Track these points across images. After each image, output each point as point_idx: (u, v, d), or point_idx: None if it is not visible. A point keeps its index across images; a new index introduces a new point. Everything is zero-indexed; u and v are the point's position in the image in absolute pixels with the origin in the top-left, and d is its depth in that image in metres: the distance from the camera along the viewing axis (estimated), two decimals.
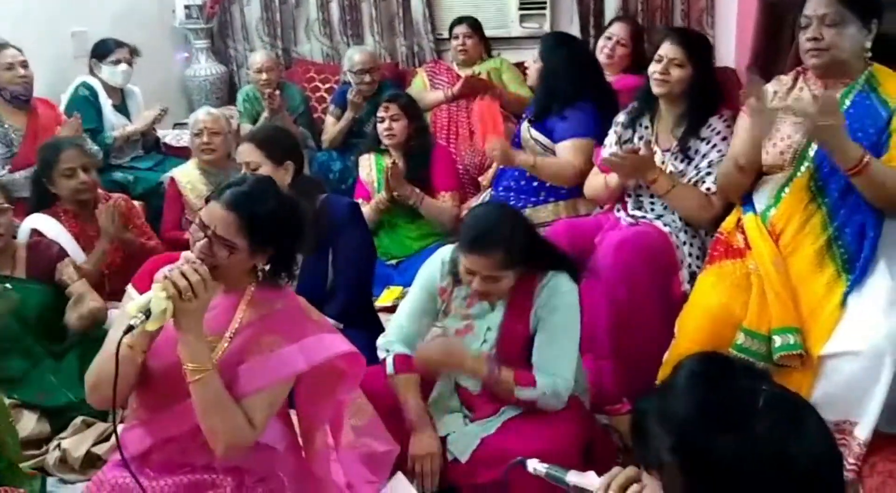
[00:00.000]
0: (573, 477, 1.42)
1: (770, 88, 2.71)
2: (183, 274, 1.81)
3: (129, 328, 1.78)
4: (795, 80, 2.70)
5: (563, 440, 2.23)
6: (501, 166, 3.80)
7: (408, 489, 2.24)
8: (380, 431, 2.33)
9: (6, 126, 4.02)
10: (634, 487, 1.23)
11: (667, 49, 2.98)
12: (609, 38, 4.24)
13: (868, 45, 2.53)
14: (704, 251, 2.87)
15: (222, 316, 1.99)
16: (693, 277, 2.82)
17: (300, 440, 2.18)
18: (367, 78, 4.81)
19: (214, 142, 3.98)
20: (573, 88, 3.57)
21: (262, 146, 2.85)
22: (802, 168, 2.56)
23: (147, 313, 1.78)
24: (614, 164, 2.98)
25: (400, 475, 2.28)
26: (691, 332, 2.51)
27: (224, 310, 2.00)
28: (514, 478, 2.13)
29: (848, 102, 2.53)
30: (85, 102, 4.40)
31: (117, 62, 4.53)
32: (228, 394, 1.88)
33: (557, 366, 2.35)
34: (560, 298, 2.38)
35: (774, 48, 3.19)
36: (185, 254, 1.97)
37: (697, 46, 3.03)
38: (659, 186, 2.96)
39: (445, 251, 2.54)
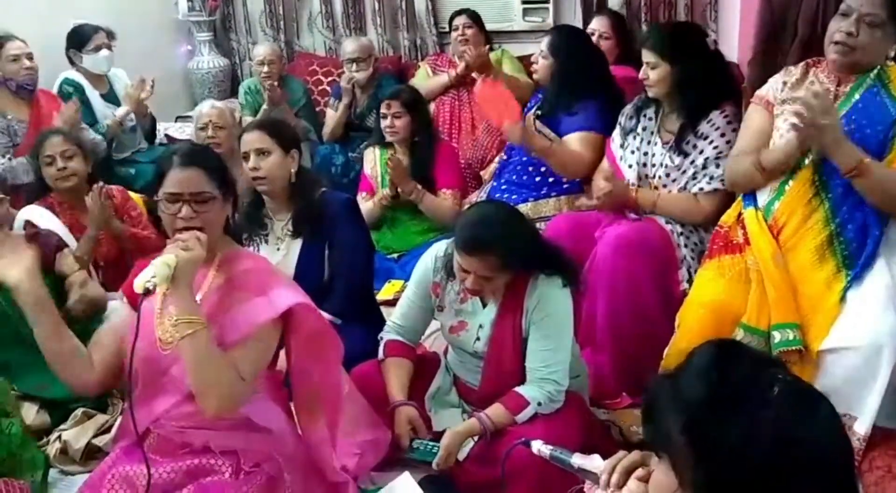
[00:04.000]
0: (578, 459, 1.43)
1: (778, 78, 2.70)
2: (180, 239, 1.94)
3: (146, 291, 1.85)
4: (805, 72, 2.68)
5: (562, 435, 2.20)
6: (505, 155, 3.79)
7: (413, 488, 2.24)
8: (372, 419, 2.36)
9: (9, 117, 4.05)
10: (639, 471, 1.25)
11: (643, 53, 2.98)
12: (591, 34, 4.28)
13: (892, 53, 2.52)
14: (703, 251, 2.85)
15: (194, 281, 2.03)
16: (692, 277, 2.81)
17: (298, 422, 2.22)
18: (354, 67, 4.82)
19: (220, 136, 3.98)
20: (583, 82, 3.57)
21: (272, 133, 2.87)
22: (806, 161, 2.54)
23: (154, 276, 1.87)
24: (592, 206, 3.04)
25: (406, 475, 2.29)
26: (691, 326, 2.51)
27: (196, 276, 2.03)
28: (511, 474, 2.15)
29: (858, 96, 2.52)
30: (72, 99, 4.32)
31: (98, 49, 4.47)
32: (218, 348, 1.92)
33: (550, 372, 2.35)
34: (552, 303, 2.36)
35: (777, 43, 3.17)
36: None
37: (672, 44, 2.95)
38: (642, 204, 3.00)
39: (440, 247, 2.53)
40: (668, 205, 2.97)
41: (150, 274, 1.85)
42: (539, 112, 3.66)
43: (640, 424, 2.56)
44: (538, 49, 3.77)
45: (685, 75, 2.92)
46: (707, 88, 2.94)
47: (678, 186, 2.99)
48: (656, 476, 1.17)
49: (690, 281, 2.78)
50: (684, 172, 2.97)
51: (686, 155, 2.96)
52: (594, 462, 1.39)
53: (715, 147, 2.90)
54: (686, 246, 2.93)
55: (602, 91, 3.58)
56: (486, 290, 2.37)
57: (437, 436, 2.37)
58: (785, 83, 2.68)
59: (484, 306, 2.46)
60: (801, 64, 2.72)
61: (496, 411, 2.33)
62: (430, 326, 2.73)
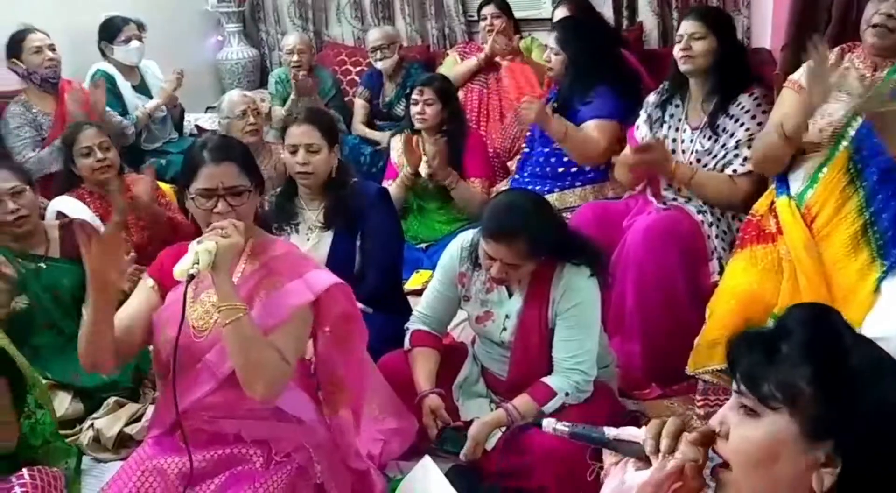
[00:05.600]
0: (611, 431, 1.32)
1: (812, 64, 2.66)
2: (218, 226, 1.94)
3: (191, 277, 1.86)
4: (841, 57, 2.64)
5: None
6: (527, 148, 3.77)
7: (435, 472, 2.24)
8: (398, 407, 2.37)
9: (35, 111, 4.08)
10: (692, 434, 1.21)
11: (686, 26, 2.96)
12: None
13: None
14: (733, 240, 2.82)
15: None
16: (723, 268, 2.78)
17: (325, 412, 2.22)
18: (378, 55, 4.82)
19: (258, 122, 4.02)
20: (596, 71, 3.55)
21: (322, 128, 2.86)
22: (840, 148, 2.50)
23: (196, 262, 1.87)
24: (629, 164, 2.98)
25: (427, 459, 2.29)
26: (722, 316, 2.48)
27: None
28: (536, 464, 2.14)
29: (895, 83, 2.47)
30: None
31: (128, 40, 4.50)
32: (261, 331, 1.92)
33: (577, 362, 2.33)
34: (578, 293, 2.34)
35: (810, 28, 3.12)
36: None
37: (716, 19, 3.00)
38: (679, 177, 2.95)
39: (466, 236, 2.52)
40: (705, 181, 2.93)
41: (192, 261, 1.86)
42: (555, 106, 3.64)
43: (670, 414, 2.59)
44: (548, 47, 3.76)
45: (726, 51, 2.93)
46: (741, 70, 2.97)
47: (708, 170, 2.96)
48: (753, 431, 1.15)
49: (721, 273, 2.75)
50: (715, 155, 2.95)
51: (717, 138, 2.94)
52: (629, 431, 1.31)
53: (746, 129, 2.89)
54: (717, 237, 2.90)
55: (616, 75, 3.57)
56: (511, 278, 2.36)
57: (465, 426, 2.37)
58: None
59: (510, 295, 2.44)
60: (836, 49, 2.69)
61: (523, 402, 2.32)
62: (459, 315, 2.73)
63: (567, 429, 1.36)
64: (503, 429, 2.32)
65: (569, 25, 3.77)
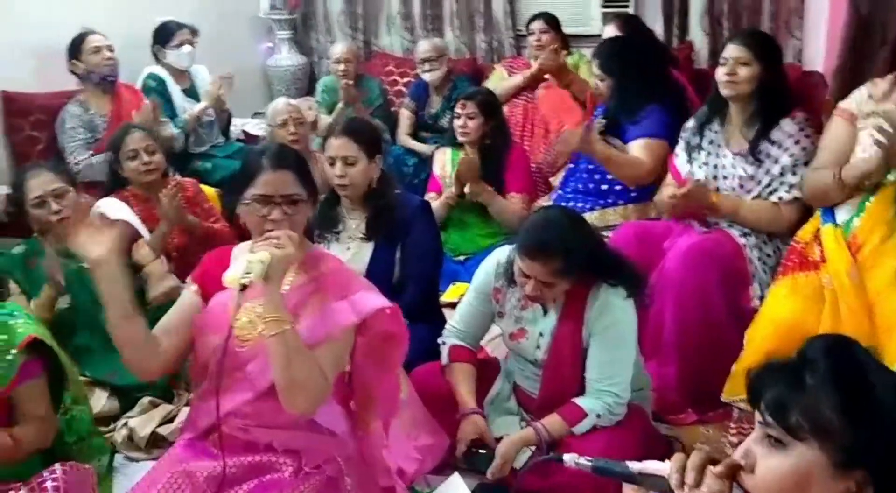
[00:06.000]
0: (636, 465, 1.33)
1: (864, 90, 2.61)
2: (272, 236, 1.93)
3: (243, 287, 1.85)
4: (894, 84, 2.60)
5: (620, 448, 2.17)
6: (572, 163, 3.75)
7: (463, 489, 2.23)
8: (430, 423, 2.35)
9: (92, 112, 4.17)
10: (717, 468, 1.20)
11: (731, 50, 2.92)
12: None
13: None
14: (775, 264, 2.78)
15: None
16: (763, 293, 2.74)
17: (357, 424, 2.21)
18: (427, 67, 4.84)
19: (300, 132, 4.06)
20: (644, 93, 3.53)
21: (360, 140, 2.85)
22: (891, 177, 2.46)
23: (248, 272, 1.86)
24: (670, 206, 2.95)
25: (456, 476, 2.28)
26: (760, 344, 2.45)
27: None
28: (564, 485, 2.12)
29: None
30: (154, 93, 4.44)
31: (181, 45, 4.57)
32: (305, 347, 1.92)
33: (610, 384, 2.31)
34: (614, 313, 2.32)
35: (864, 53, 3.07)
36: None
37: (763, 45, 2.96)
38: (722, 213, 2.92)
39: (501, 252, 2.51)
40: (751, 211, 2.90)
41: (243, 270, 1.85)
42: (603, 129, 3.61)
43: (705, 441, 2.55)
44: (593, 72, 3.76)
45: (769, 78, 2.89)
46: (784, 94, 2.94)
47: (752, 197, 2.93)
48: (781, 462, 1.16)
49: (762, 297, 2.71)
50: (759, 181, 2.91)
51: (760, 164, 2.90)
52: (653, 465, 1.31)
53: (791, 155, 2.85)
54: (759, 260, 2.86)
55: (664, 93, 3.55)
56: (546, 296, 2.34)
57: (493, 443, 2.35)
58: (870, 96, 2.60)
59: (545, 313, 2.42)
60: (890, 76, 2.64)
61: (553, 421, 2.30)
62: (493, 330, 2.72)
63: (590, 464, 1.36)
64: (532, 448, 2.29)
65: (610, 51, 3.73)
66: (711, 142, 3.04)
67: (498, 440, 2.35)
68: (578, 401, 2.31)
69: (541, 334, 2.41)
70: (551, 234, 2.26)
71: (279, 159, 2.05)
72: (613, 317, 2.31)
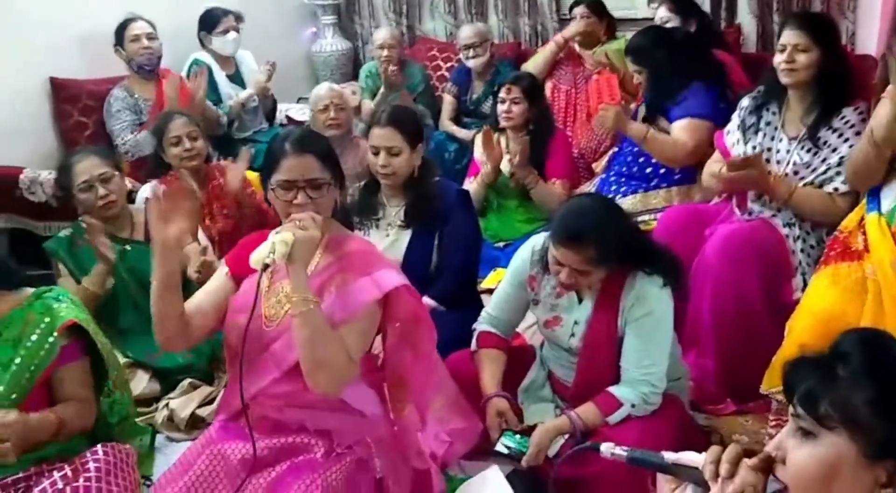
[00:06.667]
0: (671, 455, 1.34)
1: None
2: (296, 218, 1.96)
3: (265, 267, 1.89)
4: None
5: (656, 438, 2.16)
6: (616, 147, 3.72)
7: (502, 483, 2.23)
8: (463, 408, 2.35)
9: (136, 96, 4.26)
10: (752, 460, 1.21)
11: (789, 36, 2.83)
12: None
13: None
14: (820, 256, 2.71)
15: None
16: (807, 285, 2.67)
17: (390, 408, 2.23)
18: (471, 52, 4.81)
19: (340, 117, 4.07)
20: (678, 78, 3.50)
21: (403, 130, 2.86)
22: None
23: (272, 252, 1.89)
24: (725, 180, 2.88)
25: (495, 468, 2.28)
26: (800, 335, 2.40)
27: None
28: (600, 474, 2.11)
29: None
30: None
31: (226, 31, 4.62)
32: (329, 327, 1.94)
33: (645, 373, 2.28)
34: (650, 302, 2.28)
35: None
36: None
37: (822, 29, 2.86)
38: (777, 195, 2.84)
39: (537, 239, 2.48)
40: (805, 198, 2.82)
41: (268, 250, 1.88)
42: (645, 116, 3.60)
43: (744, 432, 2.52)
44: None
45: (830, 64, 2.81)
46: (845, 81, 2.84)
47: (804, 184, 2.85)
48: (812, 452, 1.16)
49: (805, 290, 2.65)
50: (814, 169, 2.84)
51: (817, 151, 2.83)
52: (688, 457, 1.32)
53: (850, 145, 2.75)
54: (803, 252, 2.80)
55: (705, 73, 3.52)
56: (581, 284, 2.31)
57: (528, 430, 2.34)
58: None
59: (580, 301, 2.40)
60: None
61: (588, 410, 2.29)
62: (530, 318, 2.71)
63: (625, 454, 1.38)
64: (566, 437, 2.28)
65: (638, 44, 3.70)
66: (768, 123, 2.96)
67: (532, 427, 2.34)
68: (613, 390, 2.29)
69: (576, 322, 2.39)
70: (585, 221, 2.23)
71: (302, 144, 2.07)
72: (649, 306, 2.28)
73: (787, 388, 1.23)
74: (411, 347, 2.15)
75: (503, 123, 3.91)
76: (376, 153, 2.88)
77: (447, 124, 4.97)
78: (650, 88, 3.60)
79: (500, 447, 2.32)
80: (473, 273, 3.13)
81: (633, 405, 2.26)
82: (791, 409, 1.21)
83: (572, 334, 2.40)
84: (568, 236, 2.23)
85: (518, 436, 2.33)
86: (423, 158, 2.97)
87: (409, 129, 2.88)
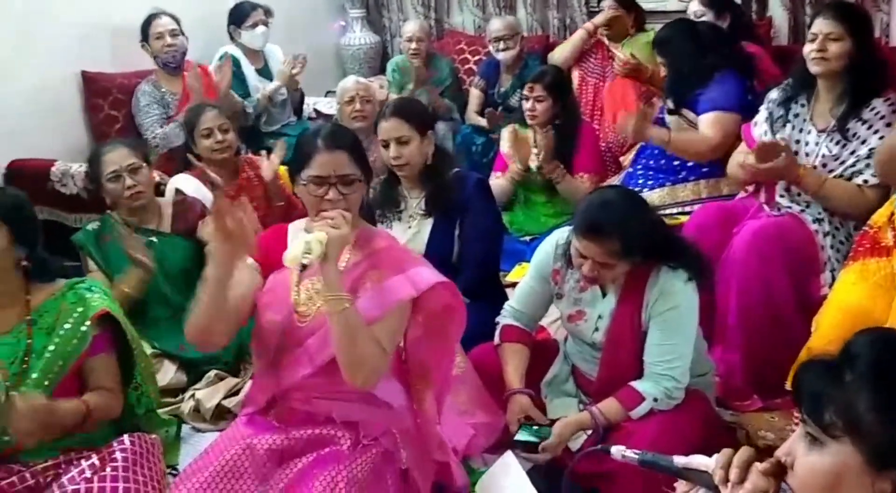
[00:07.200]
0: (681, 460, 1.33)
1: None
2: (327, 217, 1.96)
3: (303, 267, 1.89)
4: None
5: (679, 434, 2.15)
6: (640, 143, 3.69)
7: (516, 468, 2.23)
8: (486, 401, 2.35)
9: (163, 90, 4.31)
10: (763, 465, 1.19)
11: (821, 25, 2.79)
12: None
13: None
14: (849, 251, 2.67)
15: None
16: (835, 281, 2.63)
17: (413, 400, 2.23)
18: (501, 45, 4.79)
19: (366, 109, 4.08)
20: (705, 70, 3.47)
21: (410, 119, 2.86)
22: None
23: (308, 252, 1.89)
24: (754, 170, 2.84)
25: (509, 454, 2.28)
26: (827, 331, 2.37)
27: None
28: (618, 469, 2.09)
29: None
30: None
31: (255, 25, 4.65)
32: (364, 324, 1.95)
33: (668, 368, 2.25)
34: (674, 297, 2.26)
35: None
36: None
37: (855, 19, 2.82)
38: (806, 185, 2.79)
39: (561, 233, 2.47)
40: (834, 189, 2.78)
41: (303, 250, 1.88)
42: (669, 108, 3.58)
43: (769, 428, 2.49)
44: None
45: (861, 54, 2.77)
46: (876, 73, 2.80)
47: (833, 176, 2.81)
48: (817, 460, 1.14)
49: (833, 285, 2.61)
50: (843, 161, 2.80)
51: (846, 143, 2.79)
52: (699, 460, 1.31)
53: (881, 137, 2.71)
54: (832, 247, 2.77)
55: (728, 66, 3.49)
56: (603, 278, 2.30)
57: (548, 425, 2.33)
58: None
59: (604, 295, 2.39)
60: None
61: (610, 405, 2.27)
62: (554, 312, 2.69)
63: (636, 457, 1.38)
64: (588, 432, 2.27)
65: (663, 37, 3.69)
66: (797, 116, 2.92)
67: (553, 422, 2.33)
68: (636, 385, 2.28)
69: (599, 317, 2.38)
70: (609, 214, 2.21)
71: (333, 140, 2.06)
72: (674, 300, 2.26)
73: (796, 390, 1.20)
74: (436, 339, 2.15)
75: (529, 122, 3.90)
76: (386, 146, 2.89)
77: (474, 117, 4.96)
78: (674, 80, 3.58)
79: (518, 437, 2.31)
80: (495, 263, 3.13)
81: (655, 400, 2.24)
82: (798, 413, 1.19)
83: (596, 329, 2.38)
84: (591, 228, 2.22)
85: (536, 427, 2.32)
86: (437, 147, 2.97)
87: (415, 117, 2.89)
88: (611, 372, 2.37)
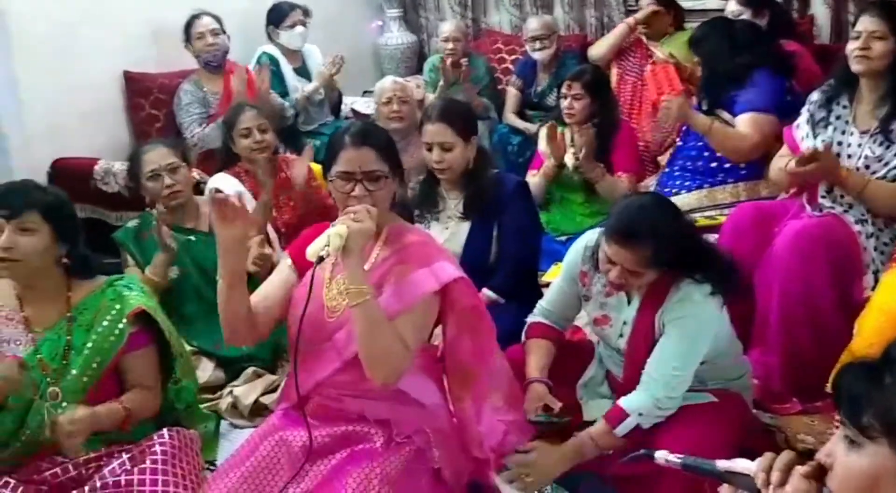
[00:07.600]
0: (723, 463, 1.34)
1: None
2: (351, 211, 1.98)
3: (320, 259, 1.91)
4: None
5: (715, 436, 2.12)
6: (680, 140, 3.67)
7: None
8: (519, 400, 2.34)
9: (205, 90, 4.37)
10: (804, 468, 1.19)
11: (866, 23, 2.74)
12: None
13: None
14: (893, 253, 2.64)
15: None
16: (878, 283, 2.58)
17: (450, 399, 2.24)
18: (538, 44, 4.78)
19: (403, 110, 4.09)
20: (739, 67, 3.43)
21: (455, 125, 2.86)
22: None
23: (328, 245, 1.91)
24: (794, 174, 2.79)
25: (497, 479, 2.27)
26: (870, 334, 2.32)
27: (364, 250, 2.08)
28: (658, 472, 2.07)
29: None
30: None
31: (293, 25, 4.69)
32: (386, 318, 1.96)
33: (665, 374, 2.18)
34: (690, 306, 2.18)
35: None
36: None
37: None
38: (850, 187, 2.74)
39: (591, 235, 2.42)
40: (878, 192, 2.72)
41: (323, 243, 1.91)
42: (704, 109, 3.53)
43: (809, 432, 2.45)
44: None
45: None
46: None
47: (876, 178, 2.75)
48: (855, 461, 1.14)
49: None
50: (886, 163, 2.74)
51: (890, 144, 2.74)
52: (741, 464, 1.31)
53: None
54: (875, 249, 2.72)
55: (765, 66, 3.44)
56: (630, 285, 2.24)
57: (564, 411, 2.31)
58: None
59: (629, 302, 2.33)
60: None
61: (598, 428, 2.22)
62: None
63: (679, 461, 1.38)
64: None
65: (699, 36, 3.66)
66: (838, 117, 2.87)
67: (590, 423, 2.31)
68: (622, 400, 2.21)
69: (624, 323, 2.33)
70: (642, 220, 2.16)
71: (361, 137, 2.08)
72: (689, 309, 2.19)
73: (836, 394, 1.20)
74: (471, 338, 2.16)
75: (567, 120, 3.88)
76: (430, 149, 2.88)
77: (510, 117, 4.96)
78: (708, 79, 3.55)
79: (532, 419, 2.30)
80: (532, 264, 3.12)
81: (640, 414, 2.17)
82: (839, 416, 1.18)
83: (620, 335, 2.34)
84: (623, 234, 2.16)
85: (555, 419, 2.29)
86: (480, 149, 2.97)
87: (460, 122, 2.88)
88: (633, 379, 2.28)
